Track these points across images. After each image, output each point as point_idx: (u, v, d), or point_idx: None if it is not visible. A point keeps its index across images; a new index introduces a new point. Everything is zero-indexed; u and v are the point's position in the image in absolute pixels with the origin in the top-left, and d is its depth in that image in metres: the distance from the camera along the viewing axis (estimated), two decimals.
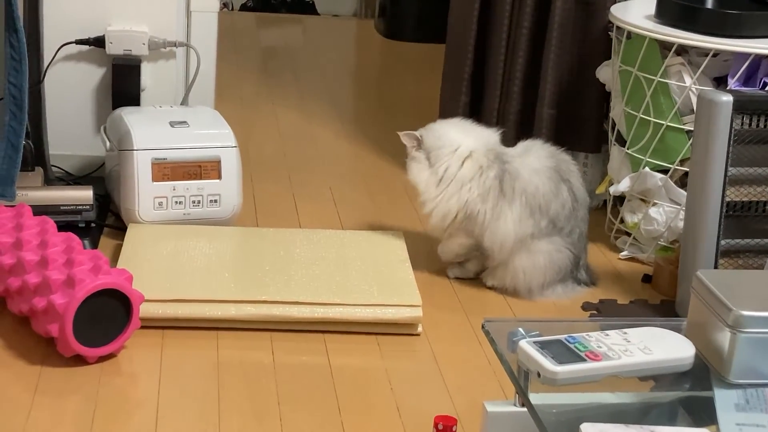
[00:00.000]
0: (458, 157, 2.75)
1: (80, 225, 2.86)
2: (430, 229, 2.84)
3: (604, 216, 3.15)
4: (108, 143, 3.00)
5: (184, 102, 3.24)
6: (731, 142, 2.55)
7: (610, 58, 3.14)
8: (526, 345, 1.74)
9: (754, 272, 2.47)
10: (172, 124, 2.96)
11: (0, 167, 2.59)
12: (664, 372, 1.79)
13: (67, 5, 3.09)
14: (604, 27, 3.21)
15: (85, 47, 3.14)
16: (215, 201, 2.92)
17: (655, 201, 2.94)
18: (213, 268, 2.64)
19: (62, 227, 2.61)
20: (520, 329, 1.81)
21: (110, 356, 2.37)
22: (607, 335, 1.78)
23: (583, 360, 1.71)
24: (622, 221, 3.08)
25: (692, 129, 2.69)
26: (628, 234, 3.05)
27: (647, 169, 2.92)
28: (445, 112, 3.45)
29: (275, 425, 2.18)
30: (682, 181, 2.88)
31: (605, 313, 2.72)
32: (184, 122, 2.98)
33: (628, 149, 2.99)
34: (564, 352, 1.72)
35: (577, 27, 3.26)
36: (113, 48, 3.12)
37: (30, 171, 2.90)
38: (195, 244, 2.75)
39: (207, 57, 3.22)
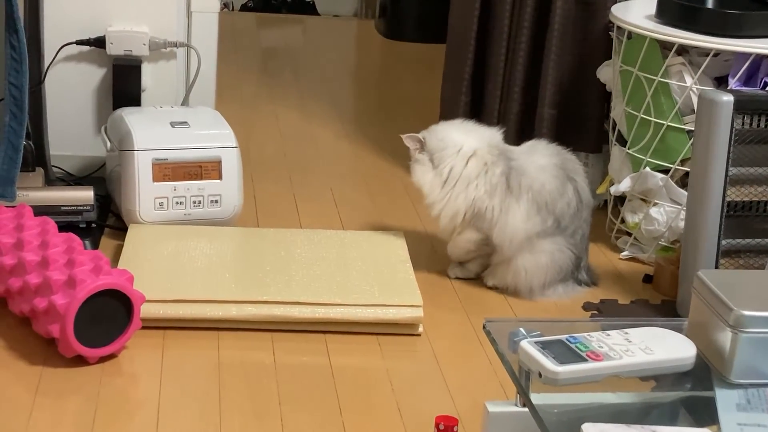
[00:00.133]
0: (462, 157, 2.75)
1: (81, 225, 2.86)
2: (441, 231, 2.83)
3: (605, 216, 3.15)
4: (109, 144, 3.00)
5: (185, 102, 3.24)
6: (732, 142, 2.55)
7: (610, 58, 3.14)
8: (527, 345, 1.74)
9: (755, 272, 2.47)
10: (173, 124, 2.96)
11: (0, 168, 2.59)
12: (665, 372, 1.79)
13: (68, 6, 3.09)
14: (604, 27, 3.21)
15: (86, 48, 3.14)
16: (216, 201, 2.92)
17: (656, 201, 2.94)
18: (214, 269, 2.64)
19: (63, 228, 2.61)
20: (521, 329, 1.81)
21: (111, 357, 2.37)
22: (608, 335, 1.78)
23: (584, 360, 1.71)
24: (622, 221, 3.08)
25: (693, 129, 2.69)
26: (629, 234, 3.05)
27: (648, 169, 2.92)
28: (446, 113, 3.45)
29: (276, 425, 2.18)
30: (683, 181, 2.88)
31: (606, 313, 2.72)
32: (185, 122, 2.98)
33: (628, 149, 2.99)
34: (565, 352, 1.72)
35: (578, 27, 3.26)
36: (114, 48, 3.12)
37: (31, 171, 2.90)
38: (196, 245, 2.75)
39: (207, 57, 3.22)
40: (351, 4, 5.79)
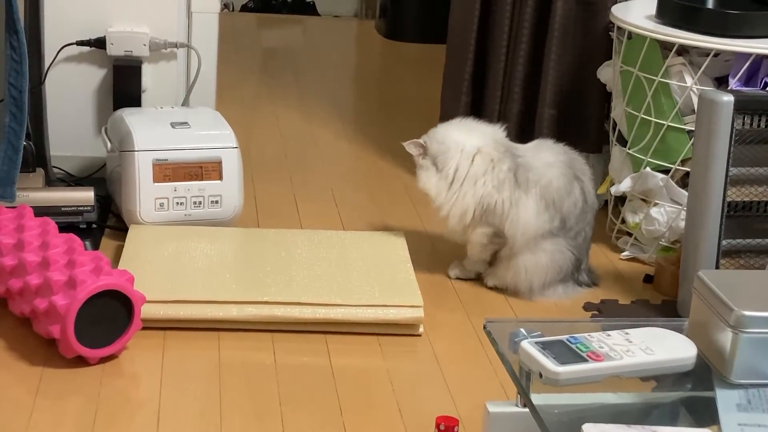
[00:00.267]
0: (467, 156, 2.73)
1: (81, 226, 2.86)
2: (449, 231, 2.82)
3: (606, 216, 3.15)
4: (109, 144, 3.00)
5: (185, 103, 3.24)
6: (732, 142, 2.55)
7: (611, 58, 3.14)
8: (527, 345, 1.74)
9: (755, 272, 2.47)
10: (173, 125, 2.96)
11: (0, 168, 2.59)
12: (665, 372, 1.79)
13: (68, 6, 3.09)
14: (604, 27, 3.21)
15: (86, 48, 3.14)
16: (216, 202, 2.92)
17: (657, 201, 2.94)
18: (214, 269, 2.64)
19: (63, 228, 2.61)
20: (522, 329, 1.81)
21: (112, 357, 2.37)
22: (609, 335, 1.78)
23: (584, 360, 1.71)
24: (623, 221, 3.08)
25: (693, 129, 2.69)
26: (630, 234, 3.05)
27: (648, 169, 2.92)
28: (446, 113, 3.45)
29: (276, 426, 2.18)
30: (684, 182, 2.88)
31: (607, 314, 2.72)
32: (185, 123, 2.98)
33: (629, 149, 2.99)
34: (566, 353, 1.72)
35: (578, 27, 3.26)
36: (114, 49, 3.12)
37: (31, 172, 2.90)
38: (196, 245, 2.75)
39: (208, 58, 3.22)
40: (351, 5, 5.79)
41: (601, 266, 2.95)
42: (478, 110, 3.42)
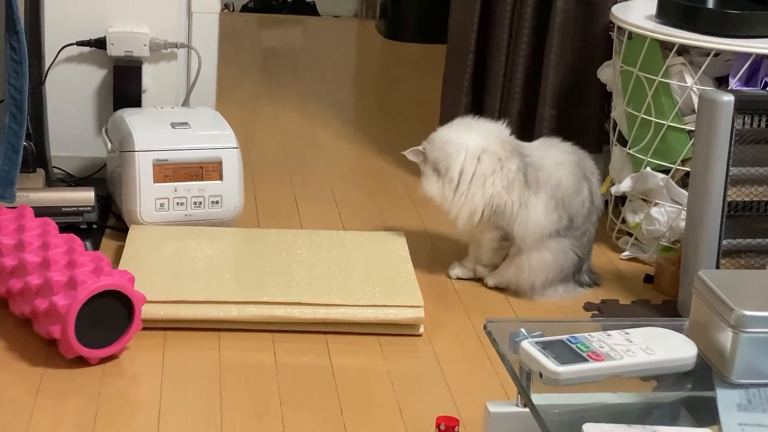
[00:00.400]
0: (471, 157, 2.71)
1: (82, 226, 2.86)
2: (458, 232, 2.82)
3: (606, 216, 3.15)
4: (109, 144, 3.00)
5: (186, 103, 3.24)
6: (732, 142, 2.55)
7: (611, 58, 3.14)
8: (528, 345, 1.74)
9: (755, 272, 2.47)
10: (174, 125, 2.96)
11: (0, 169, 2.59)
12: (666, 372, 1.79)
13: (68, 7, 3.09)
14: (605, 27, 3.21)
15: (87, 49, 3.14)
16: (217, 202, 2.92)
17: (657, 201, 2.94)
18: (215, 269, 2.64)
19: (64, 229, 2.61)
20: (522, 329, 1.81)
21: (112, 357, 2.37)
22: (609, 335, 1.78)
23: (585, 360, 1.71)
24: (623, 221, 3.08)
25: (693, 129, 2.69)
26: (630, 234, 3.05)
27: (649, 169, 2.92)
28: (446, 113, 3.45)
29: (277, 426, 2.18)
30: (684, 181, 2.88)
31: (607, 314, 2.72)
32: (186, 123, 2.98)
33: (629, 149, 2.99)
34: (566, 353, 1.72)
35: (578, 27, 3.26)
36: (114, 49, 3.12)
37: (31, 172, 2.90)
38: (197, 245, 2.75)
39: (208, 58, 3.23)
40: (351, 5, 5.79)
41: (601, 266, 2.95)
42: (478, 110, 3.42)
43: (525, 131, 3.28)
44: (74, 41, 3.11)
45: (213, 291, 2.54)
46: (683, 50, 2.88)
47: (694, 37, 2.80)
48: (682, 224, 2.82)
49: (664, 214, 2.93)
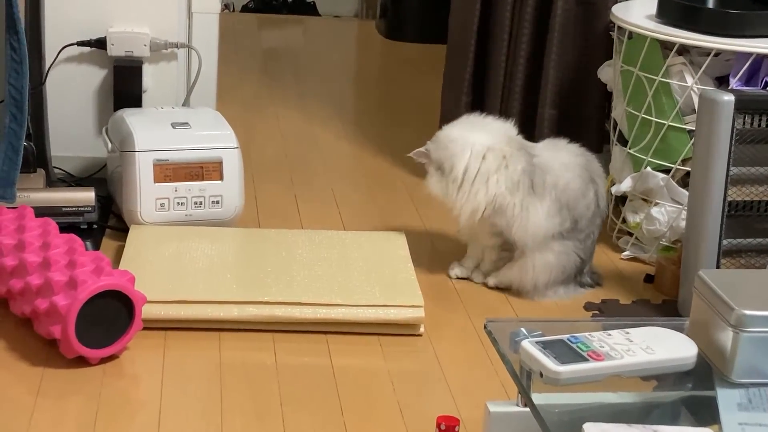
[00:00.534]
0: (477, 155, 2.69)
1: (82, 226, 2.86)
2: (459, 231, 2.82)
3: (606, 216, 3.15)
4: (110, 145, 3.00)
5: (186, 103, 3.24)
6: (733, 142, 2.55)
7: (611, 58, 3.14)
8: (528, 345, 1.74)
9: (756, 272, 2.47)
10: (174, 125, 2.97)
11: (0, 169, 2.59)
12: (666, 372, 1.79)
13: (69, 7, 3.09)
14: (605, 27, 3.21)
15: (87, 49, 3.14)
16: (217, 202, 2.92)
17: (657, 201, 2.94)
18: (215, 270, 2.65)
19: (64, 229, 2.61)
20: (523, 329, 1.81)
21: (113, 357, 2.37)
22: (610, 335, 1.78)
23: (585, 360, 1.71)
24: (624, 221, 3.08)
25: (694, 129, 2.69)
26: (630, 234, 3.05)
27: (649, 168, 2.92)
28: (447, 113, 3.45)
29: (277, 426, 2.18)
30: (684, 181, 2.88)
31: (607, 313, 2.72)
32: (186, 123, 2.98)
33: (629, 149, 2.99)
34: (566, 352, 1.72)
35: (579, 27, 3.26)
36: (115, 49, 3.12)
37: (32, 173, 2.90)
38: (197, 246, 2.75)
39: (208, 58, 3.23)
40: (352, 5, 5.79)
41: (601, 266, 2.95)
42: (478, 110, 3.41)
43: (525, 131, 3.27)
44: (74, 41, 3.11)
45: (213, 291, 2.54)
46: (683, 50, 2.88)
47: (694, 37, 2.80)
48: (683, 224, 2.82)
49: (665, 214, 2.93)
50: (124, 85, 3.14)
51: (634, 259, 3.03)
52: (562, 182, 2.69)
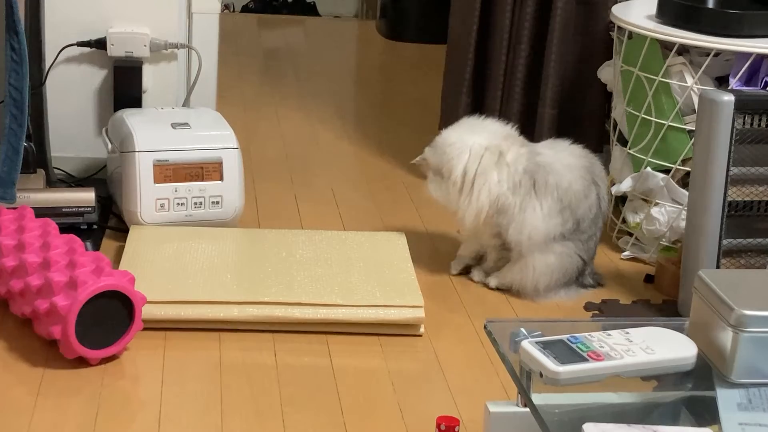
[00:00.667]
0: (475, 157, 2.71)
1: (82, 227, 2.86)
2: (466, 232, 2.82)
3: (606, 216, 3.15)
4: (110, 145, 3.00)
5: (186, 103, 3.24)
6: (733, 142, 2.55)
7: (611, 58, 3.14)
8: (528, 345, 1.74)
9: (756, 272, 2.47)
10: (174, 125, 2.97)
11: (0, 169, 2.59)
12: (666, 372, 1.79)
13: (69, 7, 3.09)
14: (605, 27, 3.21)
15: (87, 49, 3.14)
16: (217, 202, 2.92)
17: (657, 201, 2.94)
18: (215, 270, 2.65)
19: (64, 229, 2.61)
20: (523, 329, 1.81)
21: (113, 358, 2.37)
22: (610, 335, 1.78)
23: (585, 360, 1.71)
24: (624, 221, 3.08)
25: (694, 129, 2.69)
26: (630, 234, 3.05)
27: (649, 169, 2.92)
28: (447, 113, 3.46)
29: (278, 426, 2.19)
30: (684, 181, 2.88)
31: (607, 313, 2.72)
32: (186, 124, 2.98)
33: (629, 149, 2.99)
34: (566, 352, 1.72)
35: (579, 27, 3.26)
36: (115, 50, 3.12)
37: (32, 173, 2.90)
38: (197, 246, 2.75)
39: (208, 58, 3.23)
40: (352, 5, 5.79)
41: (602, 266, 2.95)
42: (478, 110, 3.42)
43: (525, 131, 3.27)
44: (74, 42, 3.11)
45: (213, 291, 2.54)
46: (683, 50, 2.88)
47: (694, 37, 2.80)
48: (683, 224, 2.82)
49: (665, 214, 2.93)
50: (124, 86, 3.14)
51: (634, 259, 3.03)
52: (564, 183, 2.69)
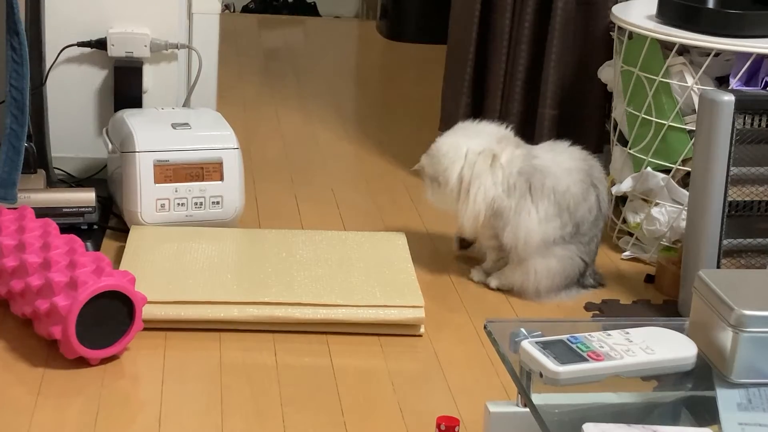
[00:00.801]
0: (470, 163, 2.72)
1: (83, 227, 2.86)
2: (465, 234, 2.83)
3: (607, 218, 3.15)
4: (110, 145, 3.00)
5: (186, 104, 3.24)
6: (733, 142, 2.55)
7: (611, 58, 3.15)
8: (528, 345, 1.74)
9: (756, 272, 2.47)
10: (174, 125, 2.97)
11: (1, 170, 2.59)
12: (666, 372, 1.79)
13: (69, 8, 3.09)
14: (605, 27, 3.21)
15: (87, 49, 3.14)
16: (217, 203, 2.92)
17: (658, 201, 2.94)
18: (215, 270, 2.65)
19: (65, 229, 2.61)
20: (523, 329, 1.81)
21: (113, 358, 2.37)
22: (610, 335, 1.78)
23: (585, 360, 1.71)
24: (624, 221, 3.08)
25: (694, 129, 2.69)
26: (631, 234, 3.05)
27: (649, 169, 2.92)
28: (447, 113, 3.46)
29: (278, 426, 2.19)
30: (684, 181, 2.88)
31: (608, 314, 2.72)
32: (186, 124, 2.98)
33: (630, 149, 2.99)
34: (566, 353, 1.72)
35: (579, 27, 3.26)
36: (115, 50, 3.12)
37: (32, 173, 2.90)
38: (197, 246, 2.75)
39: (209, 59, 3.23)
40: (352, 5, 5.79)
41: (602, 266, 2.95)
42: (478, 110, 3.43)
43: (525, 131, 3.28)
44: (75, 42, 3.11)
45: (214, 291, 2.54)
46: (684, 50, 2.88)
47: (694, 37, 2.80)
48: (683, 224, 2.82)
49: (665, 214, 2.93)
50: (125, 86, 3.14)
51: (634, 259, 3.03)
52: (562, 186, 2.69)
